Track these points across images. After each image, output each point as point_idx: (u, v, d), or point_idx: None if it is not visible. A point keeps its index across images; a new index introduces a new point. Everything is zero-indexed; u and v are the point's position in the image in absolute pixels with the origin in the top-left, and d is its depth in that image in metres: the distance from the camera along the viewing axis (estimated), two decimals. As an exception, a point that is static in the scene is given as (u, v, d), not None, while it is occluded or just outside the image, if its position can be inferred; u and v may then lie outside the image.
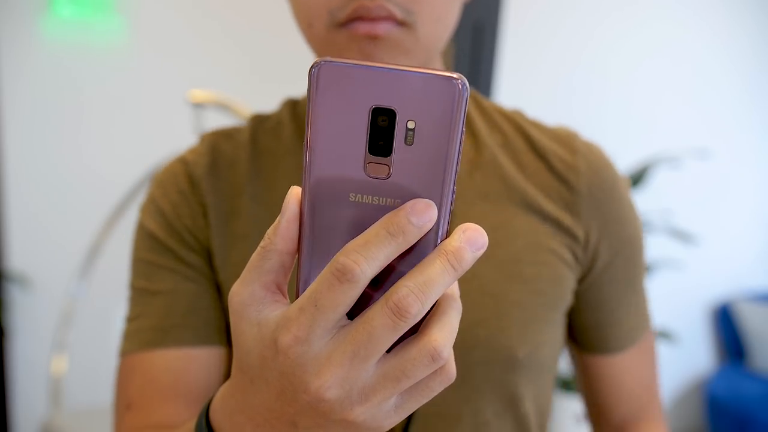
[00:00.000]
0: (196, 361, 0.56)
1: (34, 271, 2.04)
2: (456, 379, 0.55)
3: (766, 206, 2.81)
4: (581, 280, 0.61)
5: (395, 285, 0.29)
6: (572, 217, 0.59)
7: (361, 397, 0.30)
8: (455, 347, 0.52)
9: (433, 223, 0.29)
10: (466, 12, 1.83)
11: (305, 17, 0.51)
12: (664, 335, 2.37)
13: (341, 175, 0.30)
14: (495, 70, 1.93)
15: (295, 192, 0.31)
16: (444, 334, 0.30)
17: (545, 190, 0.59)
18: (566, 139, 0.62)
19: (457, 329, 0.31)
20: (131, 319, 0.58)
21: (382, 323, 0.29)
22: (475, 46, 1.87)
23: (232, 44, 2.08)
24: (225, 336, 0.58)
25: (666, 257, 2.64)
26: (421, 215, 0.29)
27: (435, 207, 0.29)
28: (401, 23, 0.49)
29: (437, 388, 0.32)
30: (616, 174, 0.62)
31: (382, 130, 0.29)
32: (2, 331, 1.99)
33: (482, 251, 0.30)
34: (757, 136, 2.73)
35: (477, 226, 0.30)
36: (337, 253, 0.29)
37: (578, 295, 0.62)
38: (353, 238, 0.29)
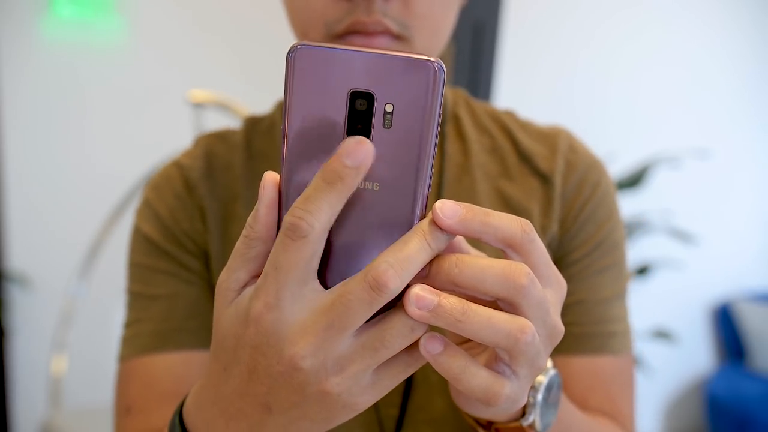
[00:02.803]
0: (197, 364, 0.56)
1: (34, 271, 2.04)
2: (442, 384, 0.55)
3: (766, 206, 2.81)
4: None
5: (375, 260, 0.29)
6: (549, 217, 0.58)
7: (337, 368, 0.30)
8: None
9: (370, 160, 0.28)
10: (466, 12, 1.84)
11: (301, 27, 0.51)
12: (664, 335, 2.37)
13: (319, 159, 0.30)
14: (495, 70, 1.93)
15: (270, 177, 0.31)
16: None
17: (529, 193, 0.59)
18: (550, 138, 0.61)
19: None
20: (129, 324, 0.58)
21: (360, 297, 0.29)
22: (475, 46, 1.87)
23: (233, 44, 2.08)
24: None
25: (666, 257, 2.64)
26: (355, 155, 0.28)
27: (368, 143, 0.28)
28: (397, 37, 0.49)
29: (414, 365, 0.32)
30: (600, 176, 0.61)
31: (360, 113, 0.29)
32: (2, 331, 1.99)
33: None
34: (756, 136, 2.73)
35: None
36: (285, 214, 0.29)
37: None
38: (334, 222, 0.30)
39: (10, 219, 2.00)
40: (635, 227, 2.30)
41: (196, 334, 0.56)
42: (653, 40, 2.48)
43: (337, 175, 0.28)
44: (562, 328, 0.34)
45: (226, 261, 0.57)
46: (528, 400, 0.41)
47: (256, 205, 0.31)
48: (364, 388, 0.31)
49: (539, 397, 0.41)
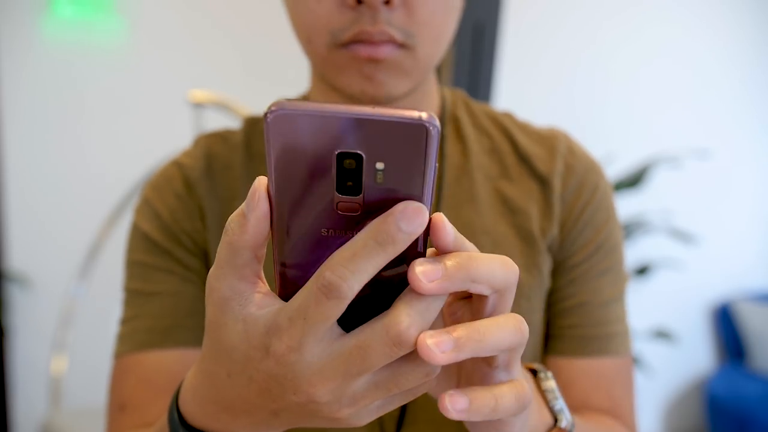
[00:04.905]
0: (193, 362, 0.56)
1: (34, 271, 2.04)
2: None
3: (766, 206, 2.81)
4: (555, 279, 0.60)
5: (396, 313, 0.29)
6: (549, 220, 0.59)
7: (351, 402, 0.31)
8: None
9: (423, 228, 0.28)
10: (466, 12, 1.84)
11: (305, 33, 0.51)
12: (664, 335, 2.37)
13: (310, 214, 0.28)
14: (495, 70, 1.93)
15: (262, 185, 0.29)
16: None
17: (528, 194, 0.59)
18: (549, 140, 0.62)
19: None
20: (126, 321, 0.58)
21: (381, 351, 0.29)
22: (475, 46, 1.87)
23: (232, 44, 2.08)
24: None
25: (666, 257, 2.64)
26: (412, 221, 0.27)
27: (426, 210, 0.27)
28: (401, 45, 0.49)
29: (420, 392, 0.33)
30: (598, 178, 0.61)
31: (349, 171, 0.27)
32: (2, 331, 1.99)
33: None
34: (756, 136, 2.73)
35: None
36: (324, 266, 0.28)
37: (555, 296, 0.60)
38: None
39: (10, 219, 2.00)
40: (635, 227, 2.30)
41: (193, 332, 0.56)
42: (653, 41, 2.48)
43: (390, 238, 0.27)
44: None
45: None
46: (554, 407, 0.42)
47: (243, 210, 0.29)
48: (371, 411, 0.32)
49: (561, 400, 0.42)
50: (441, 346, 0.28)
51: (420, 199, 0.28)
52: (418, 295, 0.29)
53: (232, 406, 0.34)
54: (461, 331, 0.29)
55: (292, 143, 0.27)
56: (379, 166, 0.27)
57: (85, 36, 1.95)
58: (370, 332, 0.29)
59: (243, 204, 0.30)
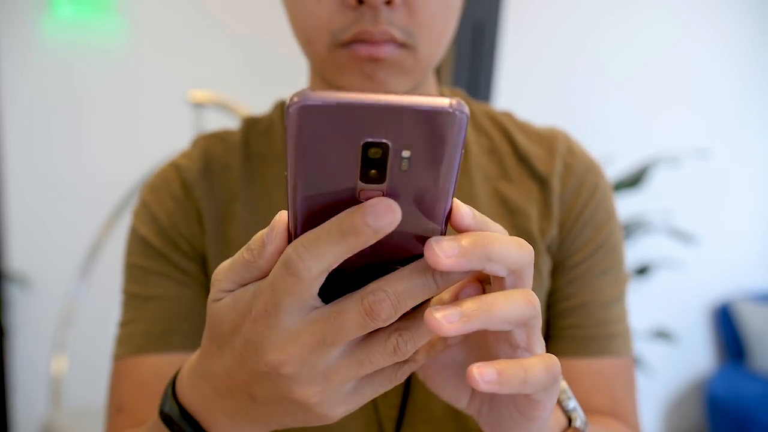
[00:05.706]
0: None
1: (34, 271, 2.04)
2: None
3: (766, 206, 2.81)
4: (555, 279, 0.60)
5: (375, 284, 0.29)
6: (548, 220, 0.58)
7: (319, 377, 0.31)
8: None
9: (393, 226, 0.27)
10: (466, 12, 1.84)
11: (304, 34, 0.51)
12: (664, 335, 2.37)
13: (332, 203, 0.28)
14: (495, 70, 1.93)
15: (282, 219, 0.30)
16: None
17: (527, 195, 0.59)
18: (548, 140, 0.61)
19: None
20: (124, 324, 0.58)
21: (353, 319, 0.29)
22: (475, 46, 1.87)
23: (232, 44, 2.08)
24: None
25: (666, 257, 2.64)
26: (380, 218, 0.27)
27: (397, 210, 0.27)
28: (402, 45, 0.49)
29: (399, 378, 0.33)
30: (597, 178, 0.61)
31: (374, 160, 0.27)
32: (2, 331, 1.99)
33: None
34: (757, 136, 2.73)
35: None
36: (291, 244, 0.29)
37: (555, 296, 0.60)
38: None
39: (10, 219, 2.00)
40: (635, 227, 2.30)
41: (189, 336, 0.56)
42: (653, 41, 2.48)
43: (354, 230, 0.27)
44: None
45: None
46: (567, 407, 0.42)
47: (264, 236, 0.30)
48: (345, 397, 0.32)
49: (573, 400, 0.43)
50: (448, 318, 0.29)
51: (445, 184, 0.28)
52: (406, 276, 0.29)
53: (217, 383, 0.34)
54: (469, 303, 0.29)
55: (315, 133, 0.26)
56: (405, 154, 0.27)
57: (85, 36, 1.96)
58: (347, 302, 0.29)
59: (266, 229, 0.30)
